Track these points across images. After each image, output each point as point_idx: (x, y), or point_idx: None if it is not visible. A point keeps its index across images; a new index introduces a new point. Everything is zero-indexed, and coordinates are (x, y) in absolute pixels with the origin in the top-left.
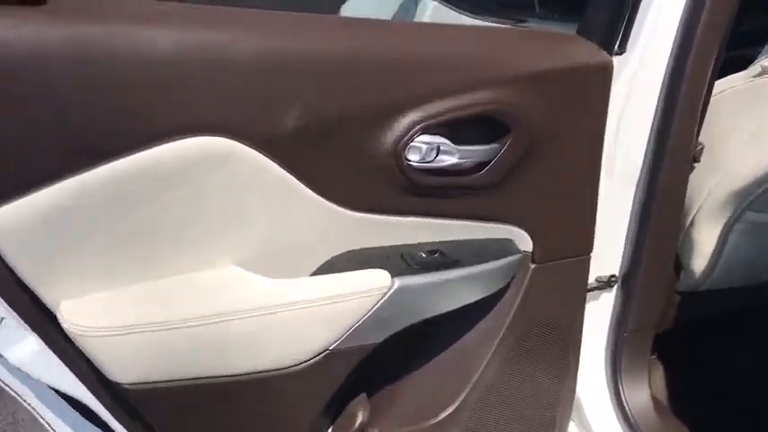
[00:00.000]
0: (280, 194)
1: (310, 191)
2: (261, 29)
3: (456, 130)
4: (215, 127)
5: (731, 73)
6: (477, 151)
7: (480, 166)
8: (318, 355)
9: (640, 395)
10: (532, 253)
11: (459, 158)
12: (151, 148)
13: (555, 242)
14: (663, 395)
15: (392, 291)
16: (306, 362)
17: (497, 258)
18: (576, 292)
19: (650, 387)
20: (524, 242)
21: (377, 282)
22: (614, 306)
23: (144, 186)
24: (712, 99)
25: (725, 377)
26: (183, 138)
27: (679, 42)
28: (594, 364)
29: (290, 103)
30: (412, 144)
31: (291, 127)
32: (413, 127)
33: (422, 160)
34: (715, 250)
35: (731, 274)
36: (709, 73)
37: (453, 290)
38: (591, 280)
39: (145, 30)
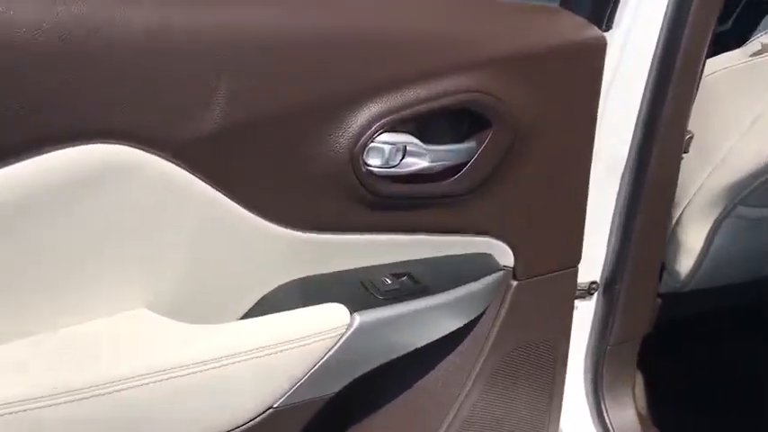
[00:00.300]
0: (202, 215)
1: (241, 208)
2: (161, 1)
3: (425, 126)
4: (113, 132)
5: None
6: (451, 151)
7: (455, 168)
8: (260, 415)
9: (625, 415)
10: (514, 268)
11: (431, 161)
12: (31, 157)
13: (540, 255)
14: (643, 407)
15: (352, 330)
16: (244, 425)
17: (476, 278)
18: (564, 307)
19: (634, 403)
20: (505, 256)
21: (332, 320)
22: (595, 317)
23: (22, 204)
24: (702, 81)
25: (710, 386)
26: (73, 146)
27: (671, 15)
28: (574, 382)
29: (209, 97)
30: (372, 145)
31: (212, 128)
32: (372, 124)
33: (384, 165)
34: (702, 250)
35: (717, 272)
36: (705, 49)
37: (427, 322)
38: None
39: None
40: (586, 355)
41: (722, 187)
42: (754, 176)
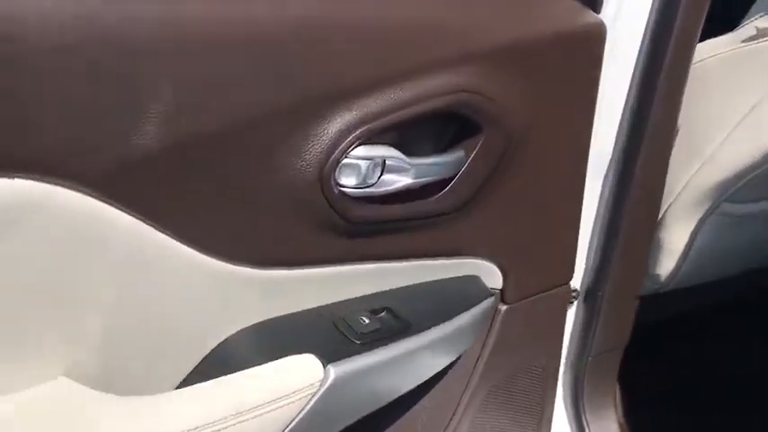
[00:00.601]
0: (131, 256)
1: (182, 245)
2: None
3: (407, 135)
4: (15, 163)
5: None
6: (437, 164)
7: (440, 183)
8: None
9: (607, 426)
10: (502, 291)
11: (414, 177)
12: None
13: (531, 273)
14: (623, 414)
15: (326, 386)
16: None
17: (462, 306)
18: (555, 327)
19: (617, 416)
20: (492, 278)
21: (301, 376)
22: (575, 326)
23: None
24: (692, 67)
25: (692, 386)
26: None
27: None
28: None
29: (140, 113)
30: (345, 161)
31: (144, 152)
32: (345, 136)
33: (361, 184)
34: (685, 249)
35: (698, 271)
36: (698, 33)
37: (411, 365)
38: None
39: None
40: (566, 366)
41: (710, 185)
42: (744, 173)
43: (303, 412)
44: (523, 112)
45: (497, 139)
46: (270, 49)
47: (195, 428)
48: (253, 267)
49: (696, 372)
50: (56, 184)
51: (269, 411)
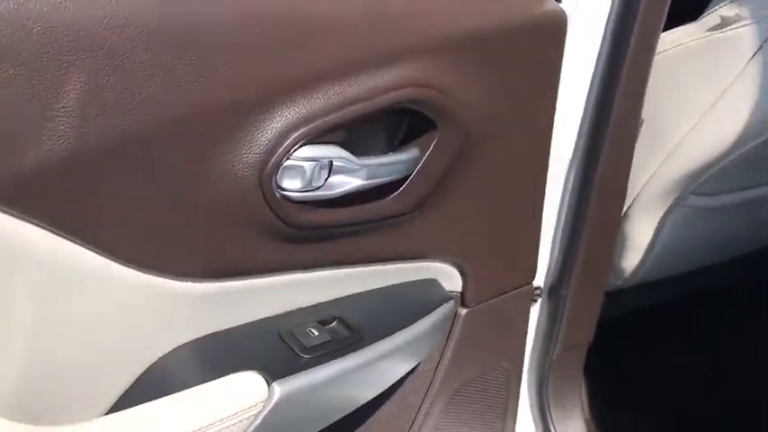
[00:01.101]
0: (44, 273)
1: (104, 258)
2: None
3: (355, 133)
4: None
5: None
6: (389, 164)
7: (395, 184)
8: None
9: (572, 425)
10: (462, 293)
11: (365, 178)
12: None
13: (491, 275)
14: (595, 413)
15: (270, 406)
16: None
17: (420, 312)
18: (518, 329)
19: (582, 413)
20: (451, 281)
21: (243, 395)
22: (539, 324)
23: None
24: (656, 57)
25: (656, 387)
26: None
27: None
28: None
29: (49, 111)
30: (288, 163)
31: (55, 156)
32: (287, 136)
33: (305, 187)
34: (650, 244)
35: (662, 266)
36: (663, 21)
37: (365, 378)
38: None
39: None
40: (530, 366)
41: (674, 177)
42: (709, 165)
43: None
44: (480, 106)
45: (453, 135)
46: (203, 45)
47: None
48: (188, 280)
49: (659, 368)
50: None
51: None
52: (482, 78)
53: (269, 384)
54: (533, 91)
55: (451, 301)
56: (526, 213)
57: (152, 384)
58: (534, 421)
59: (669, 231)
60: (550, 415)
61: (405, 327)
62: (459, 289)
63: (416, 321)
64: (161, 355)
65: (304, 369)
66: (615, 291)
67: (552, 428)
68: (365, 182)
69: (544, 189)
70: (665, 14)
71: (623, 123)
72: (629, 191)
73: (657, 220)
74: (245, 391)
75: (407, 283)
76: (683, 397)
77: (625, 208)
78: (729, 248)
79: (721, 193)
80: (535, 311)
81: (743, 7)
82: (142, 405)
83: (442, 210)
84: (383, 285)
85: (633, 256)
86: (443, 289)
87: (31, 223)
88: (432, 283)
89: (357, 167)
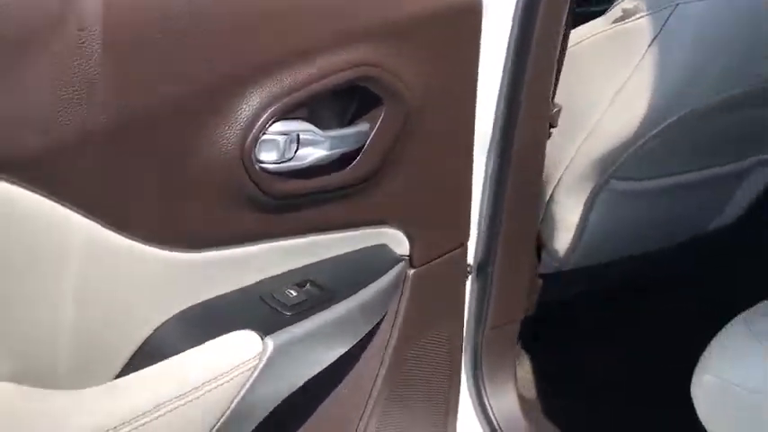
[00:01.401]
0: (53, 245)
1: (113, 233)
2: None
3: (318, 110)
4: None
5: None
6: (347, 136)
7: (349, 156)
8: None
9: (506, 400)
10: (410, 256)
11: (329, 149)
12: None
13: (434, 237)
14: (531, 391)
15: (266, 357)
16: None
17: (378, 273)
18: (457, 289)
19: (516, 388)
20: (401, 245)
21: (242, 351)
22: (470, 300)
23: None
24: (569, 52)
25: (592, 369)
26: None
27: None
28: None
29: (64, 94)
30: (264, 138)
31: (71, 136)
32: (262, 112)
33: (279, 159)
34: (579, 226)
35: (597, 249)
36: (563, 18)
37: (340, 331)
38: None
39: None
40: (467, 338)
41: (592, 160)
42: (623, 148)
43: (246, 386)
44: (417, 84)
45: (397, 110)
46: (182, 31)
47: (142, 414)
48: (182, 251)
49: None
50: None
51: (214, 388)
52: (417, 59)
53: (263, 339)
54: (458, 70)
55: (402, 263)
56: (459, 181)
57: (152, 352)
58: (469, 393)
59: (597, 214)
60: (485, 389)
61: (367, 286)
62: (407, 252)
63: (375, 281)
64: (158, 324)
65: (289, 324)
66: (554, 273)
67: (487, 402)
68: (329, 152)
69: (471, 164)
70: (565, 11)
71: (533, 110)
72: (554, 174)
73: (582, 201)
74: (243, 346)
75: (364, 248)
76: (618, 383)
77: (551, 190)
78: (663, 235)
79: (645, 179)
80: (467, 287)
81: (639, 1)
82: (147, 368)
83: (390, 179)
84: (345, 251)
85: (564, 237)
86: (395, 252)
87: (47, 197)
88: (384, 248)
89: (321, 139)
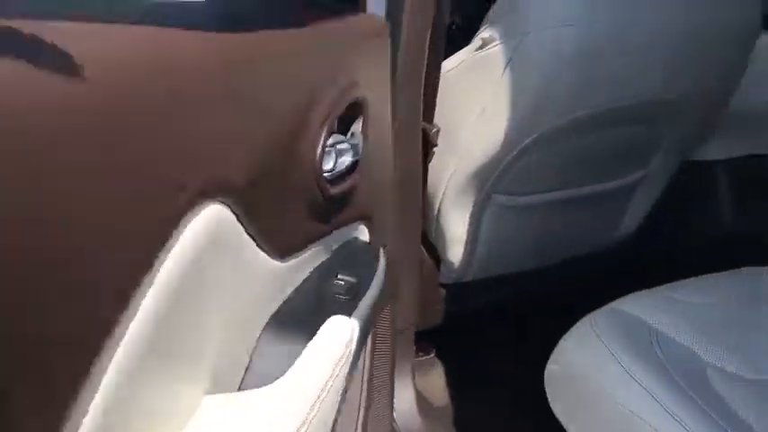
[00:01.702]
0: (242, 268)
1: (260, 251)
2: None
3: (341, 123)
4: (210, 187)
5: None
6: (355, 144)
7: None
8: None
9: (404, 396)
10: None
11: (352, 156)
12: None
13: (379, 230)
14: (441, 396)
15: (355, 339)
16: None
17: (374, 260)
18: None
19: (416, 388)
20: (364, 234)
21: (341, 336)
22: None
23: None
24: (443, 77)
25: (497, 375)
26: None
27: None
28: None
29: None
30: (326, 151)
31: (245, 171)
32: (322, 127)
33: (332, 168)
34: (468, 238)
35: (492, 262)
36: (425, 49)
37: (373, 312)
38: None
39: None
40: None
41: (469, 175)
42: (491, 166)
43: (346, 365)
44: (367, 96)
45: (369, 116)
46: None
47: (306, 419)
48: (281, 260)
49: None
50: (223, 202)
51: (335, 377)
52: (368, 77)
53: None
54: (378, 85)
55: (382, 249)
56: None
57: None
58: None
59: (487, 228)
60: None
61: (375, 272)
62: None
63: (377, 268)
64: (261, 327)
65: (353, 309)
66: (458, 285)
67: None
68: (352, 159)
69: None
70: (426, 43)
71: (406, 132)
72: (438, 189)
73: (467, 214)
74: (340, 332)
75: (349, 241)
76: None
77: (438, 204)
78: (560, 249)
79: (527, 194)
80: None
81: (494, 31)
82: (300, 365)
83: (372, 176)
84: (335, 247)
85: (455, 249)
86: (368, 242)
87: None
88: (359, 239)
89: (348, 148)
